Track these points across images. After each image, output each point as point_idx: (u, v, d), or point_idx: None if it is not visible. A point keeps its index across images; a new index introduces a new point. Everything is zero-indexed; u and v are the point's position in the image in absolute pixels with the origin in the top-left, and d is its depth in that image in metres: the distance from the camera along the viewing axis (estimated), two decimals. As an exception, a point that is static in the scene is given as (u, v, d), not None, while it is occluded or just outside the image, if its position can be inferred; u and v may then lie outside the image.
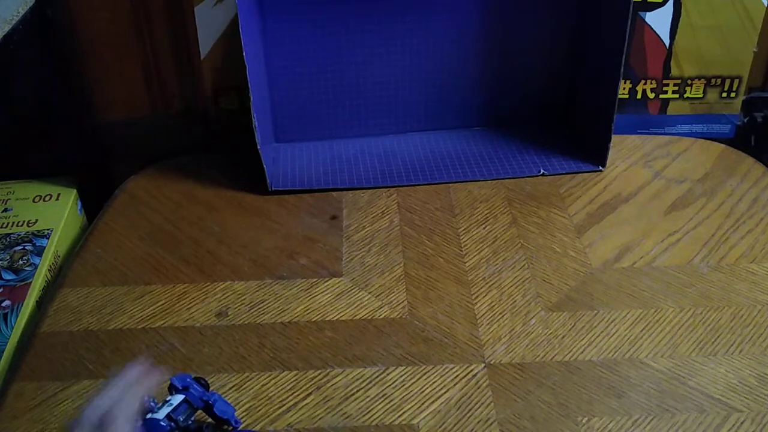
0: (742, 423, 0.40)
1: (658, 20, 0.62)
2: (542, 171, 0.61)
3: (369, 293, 0.50)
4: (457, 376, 0.43)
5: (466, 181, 0.60)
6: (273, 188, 0.59)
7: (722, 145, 0.65)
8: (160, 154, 0.65)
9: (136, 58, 0.61)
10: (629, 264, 0.51)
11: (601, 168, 0.61)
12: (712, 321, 0.46)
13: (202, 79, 0.63)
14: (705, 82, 0.65)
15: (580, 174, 0.61)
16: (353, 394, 0.42)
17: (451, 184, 0.60)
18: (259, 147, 0.57)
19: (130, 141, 0.65)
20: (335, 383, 0.43)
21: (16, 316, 0.48)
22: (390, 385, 0.43)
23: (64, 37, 0.60)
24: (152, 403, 0.37)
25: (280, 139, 0.65)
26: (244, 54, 0.52)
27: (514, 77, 0.65)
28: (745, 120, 0.67)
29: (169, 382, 0.39)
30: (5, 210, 0.58)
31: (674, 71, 0.64)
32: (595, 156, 0.61)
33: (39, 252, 0.54)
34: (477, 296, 0.49)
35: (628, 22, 0.54)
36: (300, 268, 0.52)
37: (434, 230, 0.55)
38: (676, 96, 0.65)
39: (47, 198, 0.60)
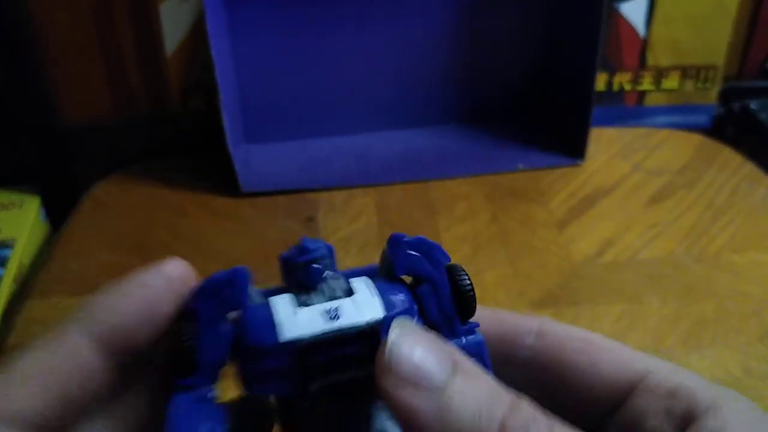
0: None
1: (633, 10, 0.62)
2: (521, 166, 0.60)
3: (348, 296, 0.48)
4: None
5: (444, 178, 0.59)
6: (245, 190, 0.58)
7: (700, 136, 0.64)
8: (126, 158, 0.62)
9: (98, 59, 0.59)
10: (612, 258, 0.51)
11: (580, 161, 0.60)
12: (696, 313, 0.46)
13: (168, 79, 0.61)
14: (681, 72, 0.64)
15: (559, 168, 0.60)
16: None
17: (429, 182, 0.59)
18: (229, 148, 0.55)
19: (95, 145, 0.63)
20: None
21: (-21, 331, 0.46)
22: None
23: (21, 37, 0.57)
24: None
25: (251, 140, 0.64)
26: (212, 52, 0.51)
27: (488, 71, 0.64)
28: (722, 110, 0.67)
29: None
30: (-35, 220, 0.56)
31: (650, 62, 0.64)
32: (574, 149, 0.61)
33: (2, 263, 0.52)
34: (459, 296, 0.48)
35: (602, 12, 0.53)
36: (276, 273, 0.50)
37: (413, 229, 0.54)
38: (653, 88, 0.65)
39: (9, 206, 0.57)
